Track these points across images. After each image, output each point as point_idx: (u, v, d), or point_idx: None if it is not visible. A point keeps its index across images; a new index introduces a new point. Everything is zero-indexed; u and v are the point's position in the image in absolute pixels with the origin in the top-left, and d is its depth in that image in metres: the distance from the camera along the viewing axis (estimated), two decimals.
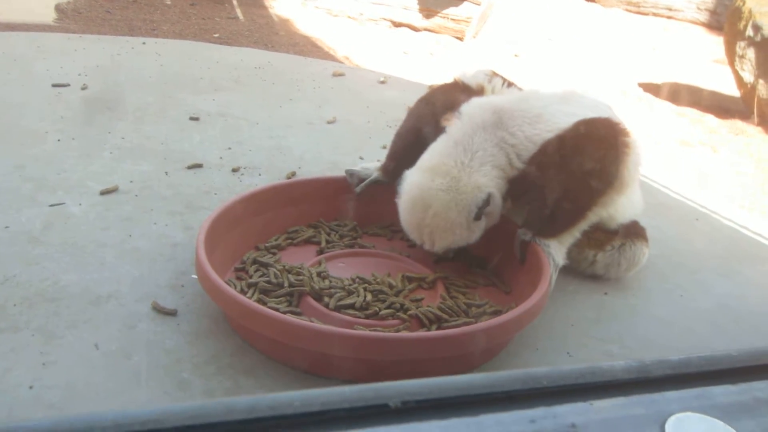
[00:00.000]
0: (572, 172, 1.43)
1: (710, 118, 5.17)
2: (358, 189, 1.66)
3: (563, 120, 1.45)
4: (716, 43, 8.81)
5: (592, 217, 1.48)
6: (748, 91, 5.25)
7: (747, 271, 1.78)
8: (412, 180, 1.46)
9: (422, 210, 1.44)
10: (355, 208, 1.68)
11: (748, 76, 5.20)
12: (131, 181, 1.82)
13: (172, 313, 1.29)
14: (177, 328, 1.26)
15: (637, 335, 1.43)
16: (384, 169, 1.67)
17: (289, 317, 1.19)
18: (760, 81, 5.10)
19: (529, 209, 1.54)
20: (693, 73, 6.87)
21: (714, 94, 6.00)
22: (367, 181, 1.66)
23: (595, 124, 1.45)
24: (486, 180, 1.43)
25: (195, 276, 1.41)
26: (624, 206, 1.56)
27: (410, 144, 1.65)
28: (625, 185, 1.48)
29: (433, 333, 1.23)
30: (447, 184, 1.42)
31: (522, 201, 1.57)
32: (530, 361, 1.29)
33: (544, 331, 1.38)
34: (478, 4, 5.98)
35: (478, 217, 1.42)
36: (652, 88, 5.97)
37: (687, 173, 3.88)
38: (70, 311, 1.27)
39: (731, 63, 5.36)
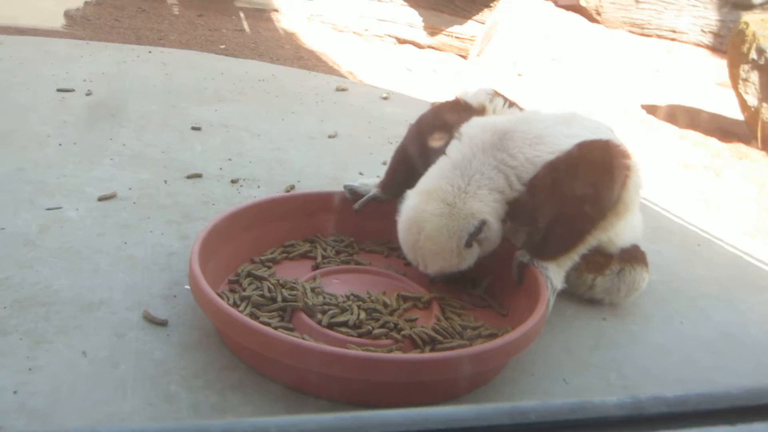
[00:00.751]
0: (572, 194, 1.41)
1: (713, 142, 5.16)
2: (356, 205, 1.64)
3: (564, 142, 1.43)
4: (720, 66, 8.81)
5: (592, 240, 1.46)
6: (752, 114, 5.24)
7: (750, 299, 1.76)
8: (409, 202, 1.46)
9: (416, 232, 1.43)
10: (353, 224, 1.66)
11: (752, 100, 5.19)
12: (130, 189, 1.80)
13: (162, 324, 1.27)
14: (167, 339, 1.24)
15: (636, 363, 1.41)
16: (383, 185, 1.66)
17: (270, 330, 1.16)
18: (764, 104, 5.09)
19: (528, 231, 1.52)
20: (696, 95, 6.86)
21: (717, 117, 5.99)
22: (365, 197, 1.65)
23: (596, 146, 1.43)
24: (481, 206, 1.41)
25: (188, 287, 1.39)
26: (624, 230, 1.54)
27: (409, 161, 1.63)
28: (626, 209, 1.46)
29: (420, 356, 1.20)
30: (440, 210, 1.41)
31: (521, 222, 1.56)
32: (525, 387, 1.27)
33: (540, 357, 1.36)
34: (483, 23, 6.00)
35: (469, 245, 1.40)
36: (654, 110, 5.97)
37: (689, 197, 3.85)
38: (60, 316, 1.25)
39: (735, 86, 5.35)
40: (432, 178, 1.47)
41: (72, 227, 1.57)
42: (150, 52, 3.29)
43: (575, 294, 1.59)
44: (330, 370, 1.12)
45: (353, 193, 1.66)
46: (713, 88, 7.57)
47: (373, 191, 1.65)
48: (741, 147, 5.08)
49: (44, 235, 1.52)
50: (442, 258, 1.42)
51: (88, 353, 1.17)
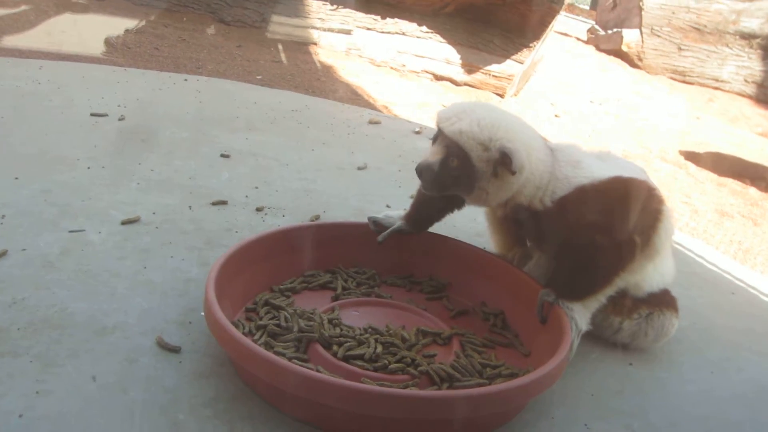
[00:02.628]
0: (599, 223, 1.37)
1: (753, 191, 5.05)
2: (380, 237, 1.62)
3: (599, 172, 1.40)
4: (762, 116, 8.70)
5: (620, 282, 1.41)
6: None
7: None
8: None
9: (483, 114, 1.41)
10: (376, 256, 1.64)
11: None
12: (154, 213, 1.81)
13: (175, 350, 1.25)
14: (179, 366, 1.22)
15: (662, 412, 1.34)
16: (408, 218, 1.64)
17: (281, 360, 1.13)
18: None
19: (554, 268, 1.48)
20: (737, 144, 6.76)
21: (758, 167, 5.87)
22: (390, 229, 1.62)
23: (631, 183, 1.40)
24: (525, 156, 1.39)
25: (203, 314, 1.37)
26: (654, 274, 1.49)
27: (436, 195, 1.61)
28: (656, 252, 1.42)
29: (432, 393, 1.15)
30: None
31: (545, 248, 1.52)
32: (544, 431, 1.22)
33: (561, 399, 1.31)
34: (521, 63, 6.00)
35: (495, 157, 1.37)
36: (693, 157, 5.87)
37: (725, 245, 3.76)
38: (72, 340, 1.24)
39: None
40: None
41: (93, 250, 1.57)
42: (186, 80, 3.34)
43: (601, 337, 1.53)
44: (342, 404, 1.08)
45: (377, 225, 1.64)
46: (755, 138, 7.45)
47: (398, 224, 1.63)
48: None
49: (65, 257, 1.52)
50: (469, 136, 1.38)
51: (97, 378, 1.15)
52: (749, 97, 9.52)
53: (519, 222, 1.49)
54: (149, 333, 1.29)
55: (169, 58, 4.77)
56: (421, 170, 1.44)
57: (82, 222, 1.69)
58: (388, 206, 2.15)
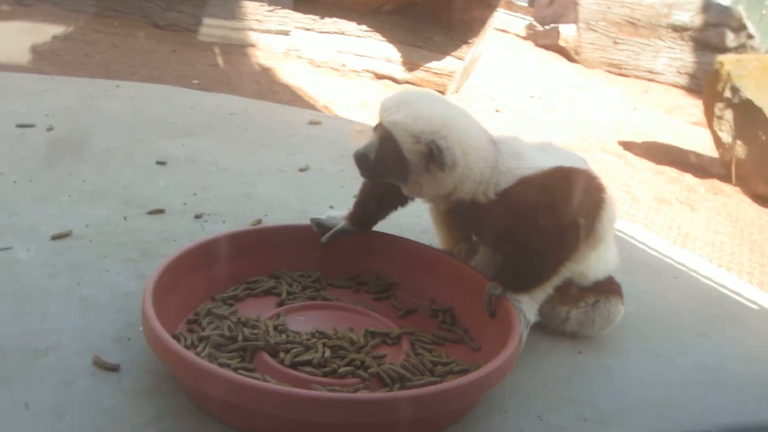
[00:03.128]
0: (543, 215, 1.37)
1: (689, 177, 5.20)
2: (324, 239, 1.59)
3: (541, 163, 1.40)
4: (695, 105, 8.98)
5: (565, 272, 1.42)
6: (726, 151, 5.30)
7: (726, 331, 1.72)
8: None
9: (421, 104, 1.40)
10: (320, 258, 1.60)
11: (726, 137, 5.26)
12: (87, 226, 1.73)
13: (114, 369, 1.20)
14: (118, 386, 1.16)
15: (612, 398, 1.35)
16: (351, 218, 1.61)
17: (226, 372, 1.09)
18: (738, 142, 5.16)
19: (502, 262, 1.48)
20: (672, 133, 6.95)
21: (693, 154, 6.06)
22: (333, 230, 1.59)
23: (573, 173, 1.40)
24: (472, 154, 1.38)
25: (142, 328, 1.32)
26: (598, 262, 1.50)
27: (379, 193, 1.59)
28: (599, 241, 1.43)
29: (386, 395, 1.14)
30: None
31: (489, 242, 1.52)
32: (497, 425, 1.21)
33: (513, 392, 1.30)
34: (462, 59, 6.04)
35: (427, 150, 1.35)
36: (631, 146, 6.02)
37: (665, 230, 3.85)
38: (3, 366, 1.17)
39: (710, 124, 5.43)
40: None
41: (21, 269, 1.50)
42: (118, 86, 3.24)
43: (549, 327, 1.54)
44: (291, 413, 1.05)
45: (320, 227, 1.60)
46: (689, 127, 7.68)
47: (342, 224, 1.60)
48: (715, 183, 5.12)
49: None
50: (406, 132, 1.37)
51: (30, 404, 1.09)
52: (682, 87, 9.85)
53: (463, 216, 1.48)
54: (85, 352, 1.23)
55: (100, 64, 4.64)
56: (357, 157, 1.43)
57: (8, 240, 1.61)
58: (331, 207, 2.12)
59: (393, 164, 1.40)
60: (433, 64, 6.04)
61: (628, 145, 6.05)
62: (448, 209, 1.50)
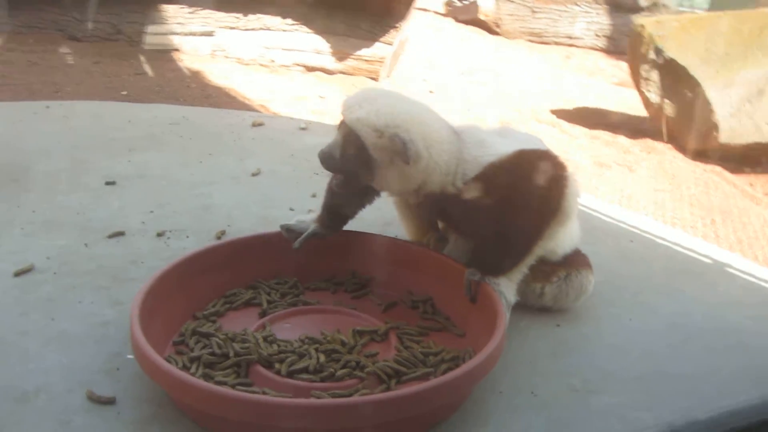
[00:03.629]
0: (513, 199, 1.41)
1: (622, 139, 5.37)
2: (296, 244, 1.59)
3: (504, 148, 1.44)
4: (616, 66, 9.26)
5: (539, 251, 1.46)
6: (656, 111, 5.50)
7: (687, 288, 1.81)
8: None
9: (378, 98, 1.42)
10: (294, 263, 1.61)
11: (654, 97, 5.45)
12: (48, 258, 1.69)
13: (110, 401, 1.18)
14: (117, 417, 1.15)
15: (596, 365, 1.41)
16: (321, 220, 1.61)
17: (230, 392, 1.10)
18: (666, 101, 5.36)
19: (474, 248, 1.51)
20: (599, 96, 7.15)
21: (622, 116, 6.25)
22: (304, 234, 1.59)
23: (535, 155, 1.45)
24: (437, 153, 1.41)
25: (131, 356, 1.30)
26: (565, 237, 1.55)
27: (345, 192, 1.59)
28: (567, 217, 1.47)
29: (402, 392, 1.14)
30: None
31: (461, 231, 1.55)
32: (496, 406, 1.25)
33: (503, 373, 1.33)
34: (391, 44, 6.06)
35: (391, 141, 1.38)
36: (564, 114, 6.17)
37: (610, 194, 3.98)
38: None
39: (637, 86, 5.61)
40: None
41: None
42: (48, 107, 3.13)
43: (526, 304, 1.58)
44: (304, 423, 1.06)
45: (290, 232, 1.60)
46: (613, 89, 7.92)
47: (312, 227, 1.60)
48: (648, 142, 5.31)
49: None
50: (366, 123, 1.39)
51: None
52: (601, 50, 10.15)
53: (434, 208, 1.51)
54: (77, 389, 1.21)
55: (21, 85, 4.47)
56: (322, 157, 1.46)
57: None
58: (291, 209, 2.12)
59: (358, 161, 1.42)
60: (363, 52, 6.04)
61: (560, 113, 6.20)
62: (418, 203, 1.53)
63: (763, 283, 1.87)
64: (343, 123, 1.45)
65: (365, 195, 1.61)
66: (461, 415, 1.22)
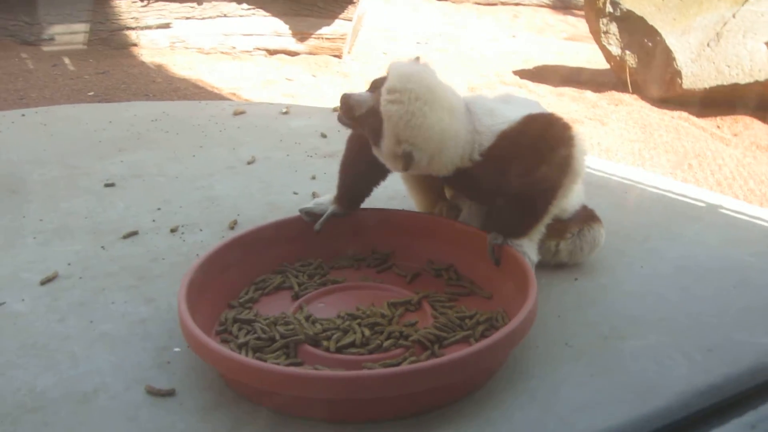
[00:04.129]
0: (527, 163, 1.46)
1: (589, 94, 5.46)
2: (317, 225, 1.63)
3: (512, 115, 1.49)
4: (563, 21, 9.37)
5: (554, 210, 1.52)
6: (618, 63, 5.60)
7: (687, 231, 1.89)
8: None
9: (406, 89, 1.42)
10: (317, 245, 1.65)
11: (615, 49, 5.55)
12: (69, 264, 1.70)
13: (170, 394, 1.22)
14: (181, 408, 1.19)
15: (620, 313, 1.48)
16: (339, 200, 1.65)
17: (310, 372, 1.17)
18: (627, 52, 5.46)
19: (493, 213, 1.57)
20: (555, 53, 7.24)
21: (583, 71, 6.35)
22: (324, 216, 1.63)
23: (543, 119, 1.50)
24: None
25: (178, 349, 1.34)
26: (574, 195, 1.62)
27: (360, 170, 1.64)
28: (577, 175, 1.53)
29: (460, 354, 1.17)
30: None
31: (483, 200, 1.60)
32: (537, 358, 1.31)
33: (535, 329, 1.38)
34: (350, 20, 6.04)
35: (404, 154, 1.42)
36: (526, 74, 6.24)
37: (589, 149, 4.07)
38: (59, 417, 1.17)
39: (597, 40, 5.69)
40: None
41: (26, 320, 1.46)
42: (23, 114, 3.09)
43: (542, 262, 1.64)
44: (385, 392, 1.12)
45: (311, 215, 1.64)
46: (566, 44, 8.02)
47: (331, 208, 1.64)
48: (614, 94, 5.41)
49: None
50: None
51: None
52: (546, 6, 10.24)
53: (451, 182, 1.56)
54: (134, 386, 1.24)
55: None
56: (345, 103, 1.48)
57: None
58: (295, 193, 2.15)
59: (371, 134, 1.47)
60: (324, 30, 6.02)
61: (523, 74, 6.28)
62: (431, 178, 1.57)
63: (756, 221, 1.97)
64: (378, 96, 1.45)
65: (378, 172, 1.65)
66: (507, 372, 1.28)
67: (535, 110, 1.56)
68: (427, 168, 1.49)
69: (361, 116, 1.46)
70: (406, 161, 1.44)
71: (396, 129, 1.41)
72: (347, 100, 1.47)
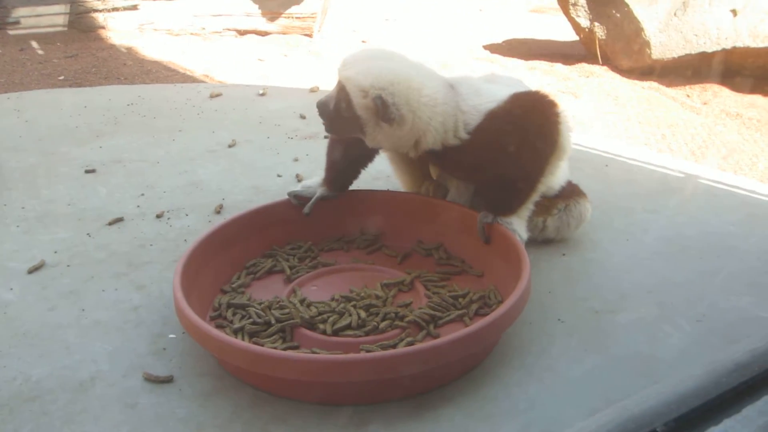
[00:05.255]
0: (515, 142, 1.47)
1: (559, 67, 5.47)
2: (306, 209, 1.63)
3: (499, 94, 1.50)
4: None
5: (542, 187, 1.54)
6: (587, 35, 5.62)
7: (669, 203, 1.93)
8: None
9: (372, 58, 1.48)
10: (306, 228, 1.65)
11: (584, 21, 5.56)
12: (55, 252, 1.68)
13: (168, 380, 1.22)
14: (180, 394, 1.19)
15: (609, 287, 1.51)
16: (327, 183, 1.65)
17: (313, 356, 1.18)
18: (596, 24, 5.48)
19: (482, 192, 1.58)
20: (521, 26, 7.23)
21: (551, 43, 6.36)
22: (313, 199, 1.63)
23: (529, 97, 1.51)
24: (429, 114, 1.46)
25: (173, 335, 1.34)
26: (561, 171, 1.64)
27: (346, 152, 1.63)
28: (564, 151, 1.55)
29: (463, 332, 1.18)
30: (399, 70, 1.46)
31: (469, 177, 1.61)
32: (529, 335, 1.34)
33: (527, 305, 1.41)
34: None
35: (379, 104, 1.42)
36: (496, 48, 6.24)
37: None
38: (57, 406, 1.16)
39: (566, 12, 5.70)
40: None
41: (16, 309, 1.45)
42: None
43: (529, 238, 1.66)
44: (383, 374, 1.13)
45: (299, 198, 1.64)
46: (532, 17, 8.02)
47: (319, 191, 1.64)
48: (585, 66, 5.43)
49: None
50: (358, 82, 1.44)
51: None
52: None
53: (438, 160, 1.56)
54: (131, 373, 1.24)
55: None
56: (319, 106, 1.52)
57: None
58: (279, 176, 2.14)
59: (347, 116, 1.47)
60: (293, 10, 5.95)
61: (493, 48, 6.27)
62: (418, 156, 1.57)
63: (735, 189, 2.01)
64: (338, 79, 1.48)
65: (365, 154, 1.65)
66: (502, 348, 1.30)
67: (520, 89, 1.57)
68: (411, 130, 1.47)
69: (333, 109, 1.48)
70: (384, 110, 1.42)
71: (357, 83, 1.43)
72: (320, 105, 1.51)
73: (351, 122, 1.47)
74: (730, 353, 0.61)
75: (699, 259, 1.62)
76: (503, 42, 6.59)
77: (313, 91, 3.12)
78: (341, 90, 1.47)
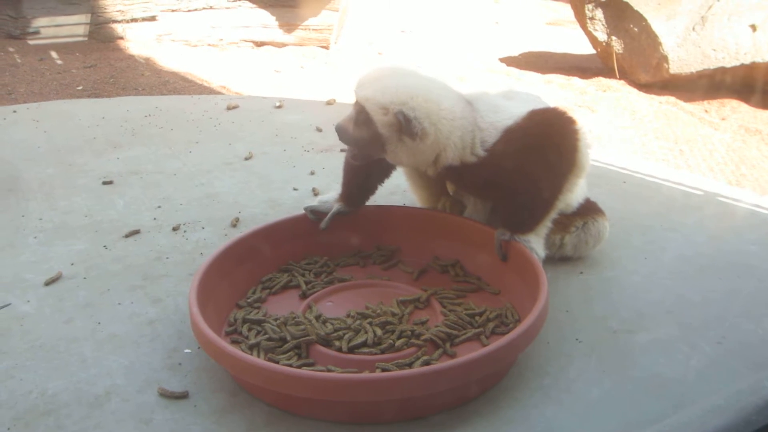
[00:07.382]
0: (533, 159, 1.47)
1: (576, 80, 5.45)
2: (323, 224, 1.63)
3: (516, 111, 1.49)
4: (544, 6, 9.35)
5: (560, 204, 1.53)
6: (604, 48, 5.60)
7: (688, 221, 1.91)
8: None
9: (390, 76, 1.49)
10: (322, 243, 1.64)
11: (602, 35, 5.55)
12: (72, 264, 1.69)
13: (183, 396, 1.21)
14: (195, 410, 1.18)
15: (627, 306, 1.49)
16: (344, 198, 1.65)
17: (330, 375, 1.17)
18: (613, 38, 5.46)
19: (500, 210, 1.57)
20: (539, 39, 7.22)
21: (569, 56, 6.34)
22: (330, 214, 1.63)
23: (547, 114, 1.50)
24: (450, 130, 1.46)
25: (188, 350, 1.34)
26: (579, 188, 1.62)
27: (363, 168, 1.63)
28: (582, 169, 1.54)
29: (480, 353, 1.17)
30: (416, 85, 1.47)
31: (486, 195, 1.60)
32: (547, 354, 1.32)
33: (545, 324, 1.40)
34: (336, 11, 6.01)
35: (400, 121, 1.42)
36: (513, 61, 6.23)
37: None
38: (72, 420, 1.16)
39: (583, 26, 5.69)
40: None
41: (33, 321, 1.46)
42: (15, 111, 3.06)
43: (546, 256, 1.65)
44: (394, 395, 1.12)
45: (316, 213, 1.64)
46: (549, 30, 8.01)
47: (336, 206, 1.64)
48: (602, 80, 5.41)
49: (6, 338, 1.40)
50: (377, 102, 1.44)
51: None
52: None
53: (456, 178, 1.56)
54: (146, 388, 1.24)
55: None
56: (339, 132, 1.52)
57: (2, 296, 1.55)
58: (295, 189, 2.14)
59: (368, 136, 1.47)
60: (311, 21, 5.98)
61: (509, 61, 6.26)
62: (437, 173, 1.57)
63: (755, 208, 1.99)
64: (356, 99, 1.49)
65: (382, 169, 1.65)
66: (520, 369, 1.28)
67: (538, 105, 1.56)
68: (432, 145, 1.46)
69: (354, 130, 1.49)
70: (407, 124, 1.42)
71: (376, 101, 1.44)
72: (339, 129, 1.51)
73: (373, 142, 1.47)
74: (758, 386, 0.59)
75: (718, 279, 1.60)
76: (519, 55, 6.59)
77: (329, 103, 3.13)
78: (360, 110, 1.46)
